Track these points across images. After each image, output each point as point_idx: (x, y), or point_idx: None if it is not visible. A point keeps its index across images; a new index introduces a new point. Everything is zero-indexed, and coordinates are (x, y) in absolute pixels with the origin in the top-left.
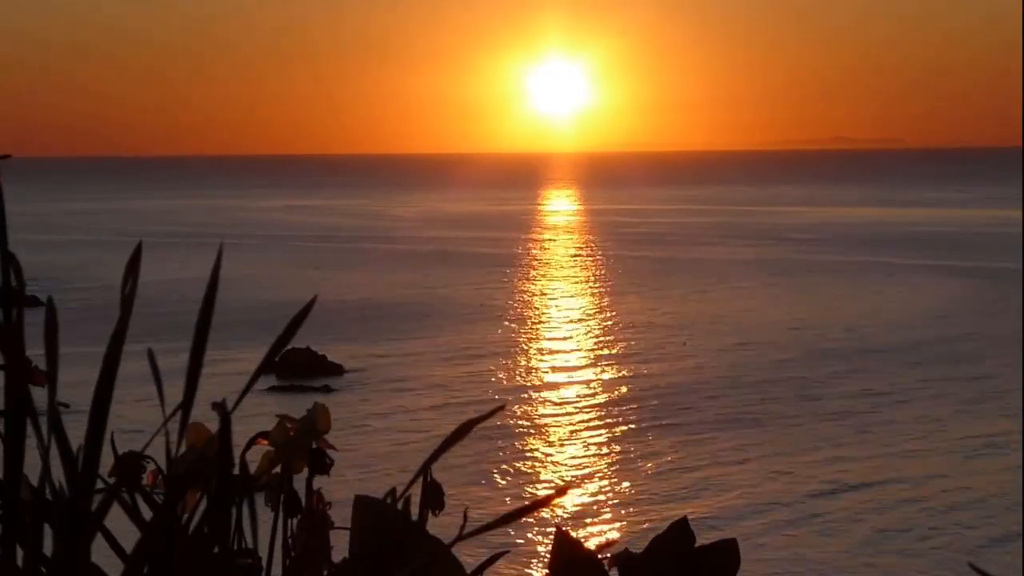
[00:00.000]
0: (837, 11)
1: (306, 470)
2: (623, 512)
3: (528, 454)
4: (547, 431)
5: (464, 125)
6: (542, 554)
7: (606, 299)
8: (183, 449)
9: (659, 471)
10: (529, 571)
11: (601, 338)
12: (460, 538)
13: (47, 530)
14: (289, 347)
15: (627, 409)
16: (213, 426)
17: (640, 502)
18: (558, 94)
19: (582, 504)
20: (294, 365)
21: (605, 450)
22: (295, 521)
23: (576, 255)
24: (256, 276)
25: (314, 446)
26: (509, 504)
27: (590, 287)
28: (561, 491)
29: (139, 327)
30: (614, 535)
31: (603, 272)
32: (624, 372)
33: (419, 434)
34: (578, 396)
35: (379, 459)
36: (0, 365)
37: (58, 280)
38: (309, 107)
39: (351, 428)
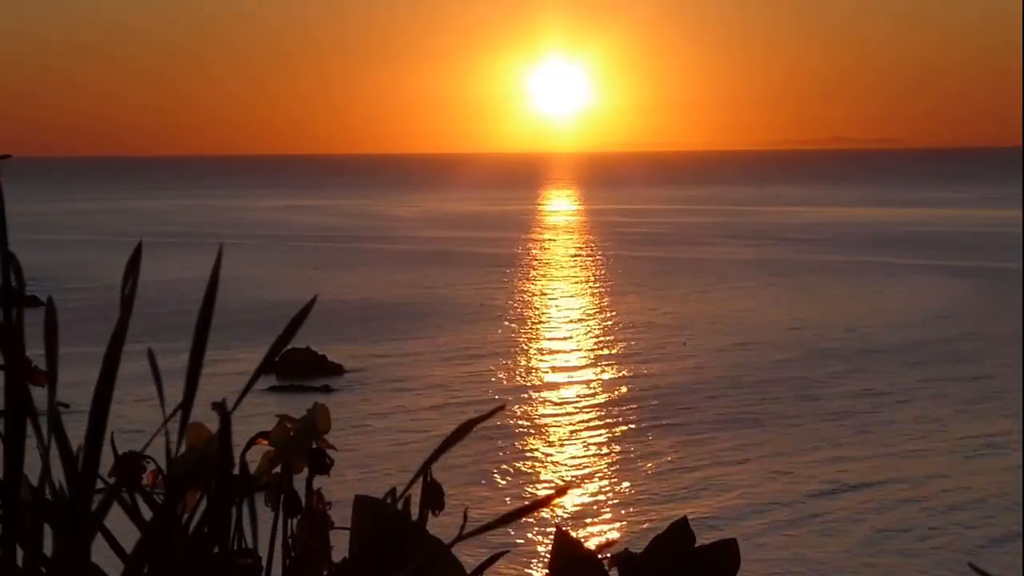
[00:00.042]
0: (836, 10)
1: (306, 470)
2: (623, 512)
3: (528, 454)
4: (547, 431)
5: (465, 125)
6: (542, 554)
7: (606, 299)
8: (183, 449)
9: (659, 471)
10: (529, 571)
11: (601, 338)
12: (460, 538)
13: (47, 530)
14: (289, 347)
15: (627, 409)
16: (213, 426)
17: (640, 502)
18: (558, 94)
19: (582, 504)
20: (294, 365)
21: (605, 450)
22: (295, 521)
23: (576, 255)
24: (256, 276)
25: (314, 446)
26: (509, 504)
27: (590, 287)
28: (561, 491)
29: (139, 327)
30: (614, 535)
31: (603, 272)
32: (624, 372)
33: (419, 434)
34: (578, 396)
35: (379, 459)
36: (0, 365)
37: (58, 280)
38: (309, 107)
39: (351, 428)
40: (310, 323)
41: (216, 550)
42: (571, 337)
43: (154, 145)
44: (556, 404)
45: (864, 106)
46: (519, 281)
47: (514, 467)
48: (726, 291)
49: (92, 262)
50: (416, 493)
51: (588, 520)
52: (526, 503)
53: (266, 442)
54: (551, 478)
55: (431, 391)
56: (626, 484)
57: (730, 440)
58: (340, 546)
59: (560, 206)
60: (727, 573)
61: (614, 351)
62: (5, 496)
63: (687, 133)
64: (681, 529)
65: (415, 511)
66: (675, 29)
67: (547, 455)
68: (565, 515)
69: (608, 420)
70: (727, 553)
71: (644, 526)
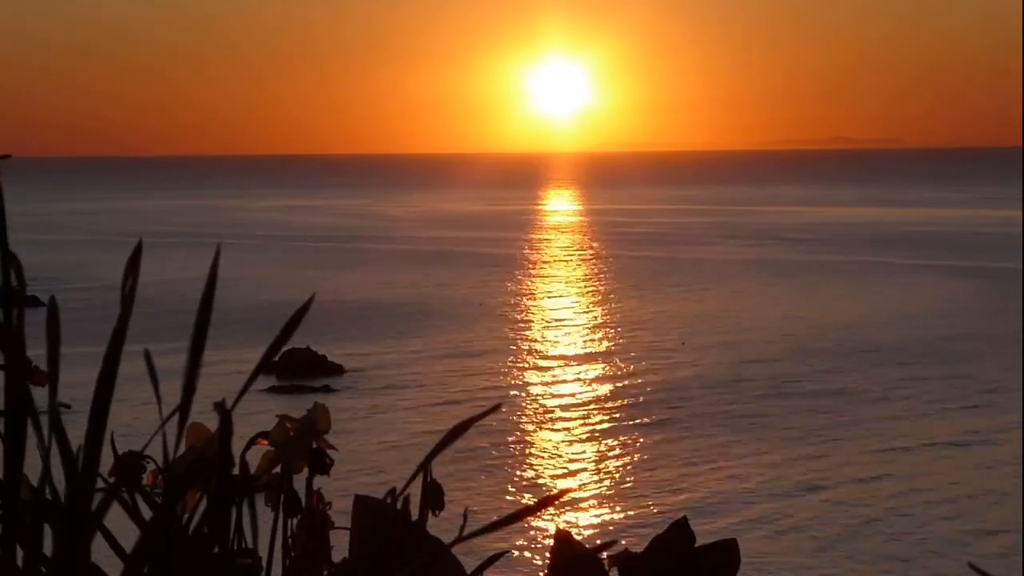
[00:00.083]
0: (836, 11)
1: (306, 470)
2: (623, 512)
3: (527, 454)
4: (546, 431)
5: (465, 125)
6: (542, 554)
7: (605, 299)
8: (183, 449)
9: (659, 471)
10: (529, 571)
11: (600, 338)
12: (460, 539)
13: (47, 530)
14: (289, 347)
15: (626, 409)
16: (213, 426)
17: (640, 502)
18: (558, 94)
19: (582, 504)
20: (294, 365)
21: (604, 450)
22: (295, 521)
23: (576, 255)
24: (256, 276)
25: (314, 446)
26: (509, 504)
27: (589, 287)
28: (561, 492)
29: (139, 327)
30: (614, 535)
31: (602, 272)
32: (623, 372)
33: (419, 434)
34: (576, 395)
35: (379, 459)
36: (0, 365)
37: (58, 280)
38: (309, 107)
39: (351, 428)
40: (310, 323)
41: (216, 550)
42: (570, 337)
43: (154, 145)
44: (555, 404)
45: (864, 106)
46: (519, 281)
47: (513, 467)
48: (726, 291)
49: (92, 262)
50: (416, 493)
51: (588, 520)
52: (526, 504)
53: (266, 442)
54: (551, 478)
55: (431, 391)
56: (626, 484)
57: (730, 440)
58: (340, 546)
59: (560, 206)
60: (727, 573)
61: (613, 351)
62: (5, 496)
63: (687, 133)
64: (681, 529)
65: (415, 511)
66: (675, 29)
67: (546, 455)
68: (565, 515)
69: (607, 420)
70: (727, 553)
71: (644, 526)
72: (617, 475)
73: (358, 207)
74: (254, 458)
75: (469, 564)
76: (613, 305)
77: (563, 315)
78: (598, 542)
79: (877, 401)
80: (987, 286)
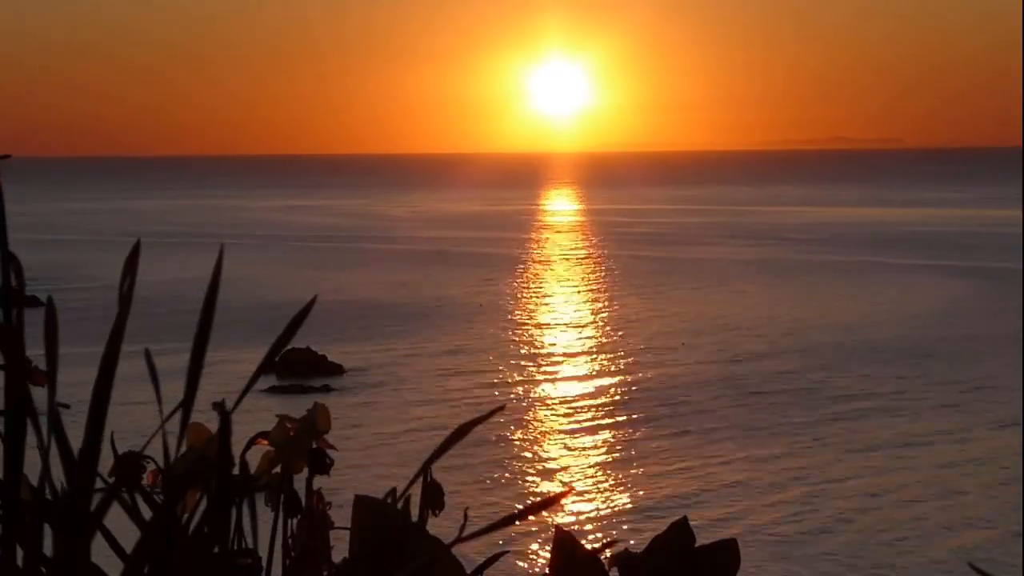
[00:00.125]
0: (836, 11)
1: (306, 470)
2: (622, 512)
3: (528, 454)
4: (547, 431)
5: (465, 125)
6: (542, 554)
7: (605, 299)
8: (183, 449)
9: (658, 471)
10: (529, 571)
11: (600, 338)
12: (460, 539)
13: (47, 530)
14: (289, 347)
15: (626, 409)
16: (213, 426)
17: (640, 502)
18: (558, 94)
19: (582, 504)
20: (294, 365)
21: (604, 450)
22: (295, 521)
23: (576, 255)
24: (256, 276)
25: (314, 446)
26: (509, 504)
27: (589, 287)
28: (561, 492)
29: (139, 327)
30: (614, 535)
31: (603, 272)
32: (623, 372)
33: (419, 434)
34: (577, 396)
35: (379, 459)
36: (0, 365)
37: (58, 280)
38: (309, 107)
39: (351, 428)
40: (310, 323)
41: (216, 550)
42: (570, 337)
43: (154, 145)
44: (555, 404)
45: (864, 106)
46: (519, 281)
47: (514, 467)
48: (725, 291)
49: (92, 262)
50: (416, 493)
51: (588, 520)
52: (527, 504)
53: (266, 442)
54: (551, 478)
55: (431, 391)
56: (626, 484)
57: (729, 440)
58: (340, 546)
59: (560, 206)
60: (727, 573)
61: (613, 351)
62: (5, 496)
63: (687, 133)
64: (681, 529)
65: (415, 511)
66: (675, 29)
67: (547, 455)
68: (565, 515)
69: (607, 420)
70: (727, 553)
71: (644, 526)
72: (617, 475)
73: (358, 207)
74: (254, 458)
75: (469, 564)
76: (613, 305)
77: (563, 315)
78: (598, 542)
79: (877, 400)
80: (987, 286)
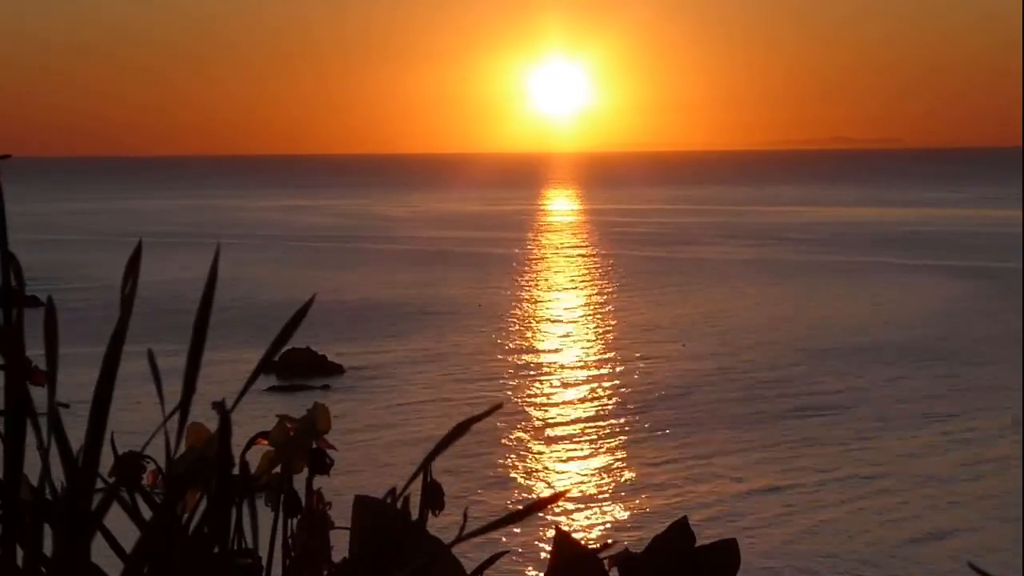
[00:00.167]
0: (836, 10)
1: (306, 470)
2: (623, 512)
3: (527, 453)
4: (546, 431)
5: (465, 125)
6: (542, 554)
7: (605, 299)
8: (183, 449)
9: (658, 470)
10: (529, 571)
11: (600, 338)
12: (460, 539)
13: (47, 530)
14: (289, 347)
15: (626, 409)
16: (213, 426)
17: (640, 502)
18: (559, 94)
19: (582, 504)
20: (294, 365)
21: (604, 449)
22: (295, 521)
23: (576, 255)
24: (256, 276)
25: (314, 446)
26: (509, 504)
27: (589, 287)
28: (561, 492)
29: (139, 327)
30: (614, 535)
31: (602, 272)
32: (622, 372)
33: (419, 433)
34: (576, 396)
35: (379, 459)
36: (0, 365)
37: (58, 280)
38: (309, 107)
39: (351, 428)
40: (310, 323)
41: (216, 550)
42: (570, 337)
43: (154, 145)
44: (555, 404)
45: (864, 106)
46: (518, 281)
47: (513, 467)
48: (725, 291)
49: (92, 262)
50: (416, 493)
51: (588, 520)
52: (526, 504)
53: (266, 442)
54: (551, 478)
55: (430, 390)
56: (626, 483)
57: (729, 440)
58: (340, 546)
59: (560, 206)
60: (727, 573)
61: (613, 351)
62: (5, 496)
63: (687, 133)
64: (681, 529)
65: (415, 511)
66: (675, 29)
67: (546, 455)
68: (565, 515)
69: (607, 420)
70: (727, 553)
71: (644, 526)
72: (617, 475)
73: (358, 207)
74: (254, 458)
75: (469, 564)
76: (613, 305)
77: (563, 315)
78: (598, 542)
79: (877, 401)
80: (987, 286)
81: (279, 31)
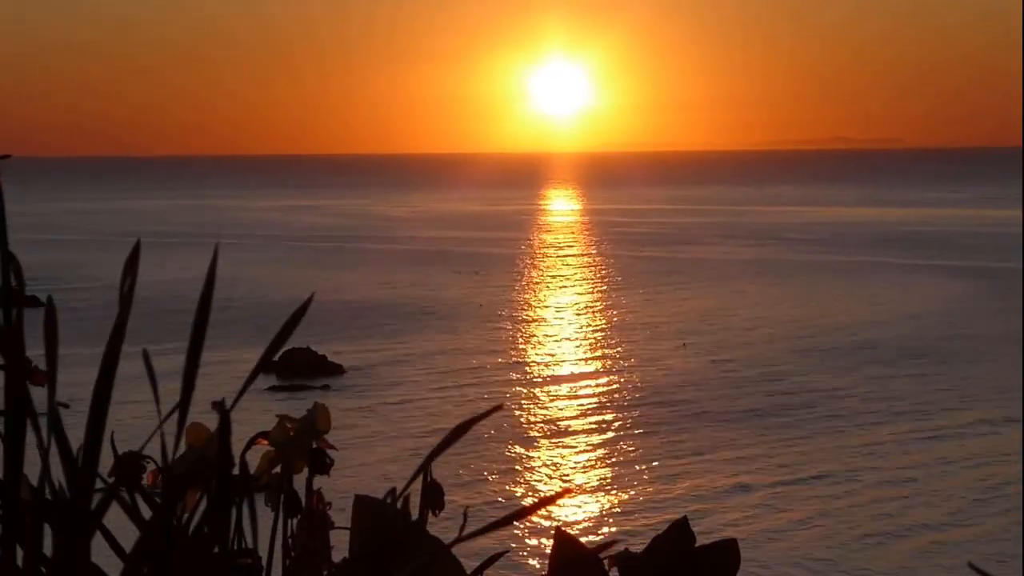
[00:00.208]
0: (836, 10)
1: (306, 470)
2: (623, 512)
3: (527, 453)
4: (546, 430)
5: (466, 125)
6: (542, 554)
7: (605, 299)
8: (182, 449)
9: (659, 471)
10: (529, 571)
11: (600, 338)
12: (460, 539)
13: (47, 530)
14: (289, 347)
15: (626, 409)
16: (213, 426)
17: (639, 502)
18: (559, 94)
19: (582, 504)
20: (294, 365)
21: (604, 450)
22: (295, 521)
23: (576, 255)
24: (256, 276)
25: (314, 446)
26: (509, 505)
27: (589, 287)
28: (561, 492)
29: (139, 327)
30: (614, 535)
31: (603, 272)
32: (623, 372)
33: (419, 433)
34: (577, 396)
35: (379, 459)
36: (0, 365)
37: (58, 280)
38: (310, 107)
39: (351, 428)
40: (310, 323)
41: (216, 550)
42: (570, 337)
43: (154, 145)
44: (555, 403)
45: (864, 106)
46: (518, 281)
47: (513, 467)
48: (726, 291)
49: (92, 262)
50: (416, 493)
51: (588, 520)
52: (527, 504)
53: (266, 442)
54: (551, 478)
55: (430, 390)
56: (626, 484)
57: (730, 440)
58: (340, 546)
59: (560, 206)
60: (727, 573)
61: (613, 351)
62: (5, 496)
63: (687, 133)
64: (681, 529)
65: (415, 511)
66: (675, 29)
67: (546, 455)
68: (565, 515)
69: (607, 420)
70: (727, 553)
71: (644, 526)
72: (617, 475)
73: (358, 207)
74: (254, 458)
75: (469, 564)
76: (613, 305)
77: (563, 315)
78: (598, 542)
79: (877, 401)
80: (987, 286)
81: (280, 31)
